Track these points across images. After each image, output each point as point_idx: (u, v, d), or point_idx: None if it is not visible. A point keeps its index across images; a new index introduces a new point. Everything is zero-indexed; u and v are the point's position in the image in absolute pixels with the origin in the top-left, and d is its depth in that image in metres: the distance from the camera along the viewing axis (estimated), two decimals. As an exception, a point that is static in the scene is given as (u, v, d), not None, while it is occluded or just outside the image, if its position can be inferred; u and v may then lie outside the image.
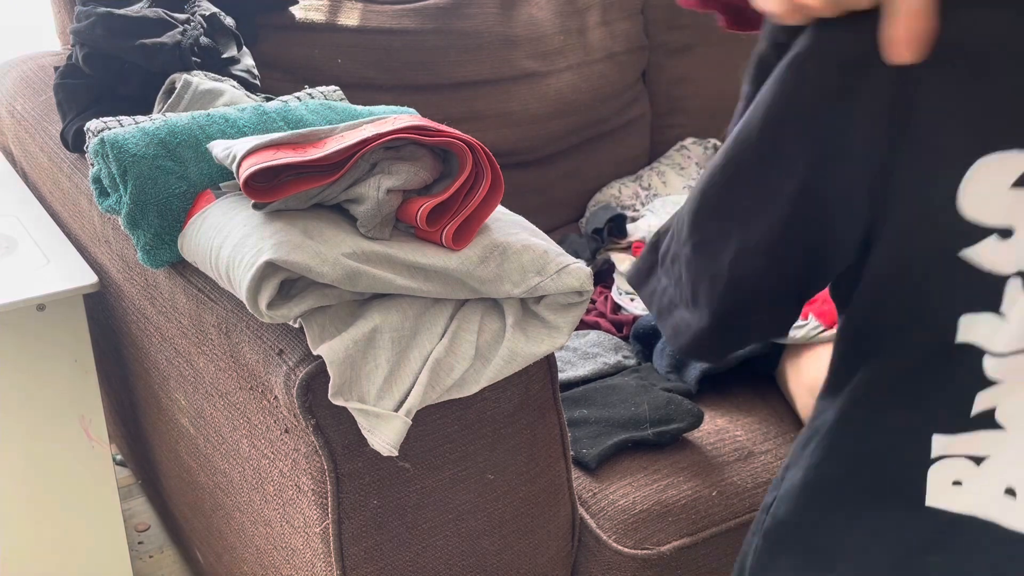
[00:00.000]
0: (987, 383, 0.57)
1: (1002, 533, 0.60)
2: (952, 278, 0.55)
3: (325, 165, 0.81)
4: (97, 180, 0.97)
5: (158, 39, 1.14)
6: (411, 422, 0.78)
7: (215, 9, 1.24)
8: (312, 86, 1.12)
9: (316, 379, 0.80)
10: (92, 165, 0.98)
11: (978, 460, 0.60)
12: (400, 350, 0.81)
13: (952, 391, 0.58)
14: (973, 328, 0.56)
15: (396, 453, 0.77)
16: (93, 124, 1.00)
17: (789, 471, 0.68)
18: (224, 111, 1.00)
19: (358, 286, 0.80)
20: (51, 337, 1.18)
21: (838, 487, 0.65)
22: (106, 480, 1.29)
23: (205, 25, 1.21)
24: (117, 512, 1.31)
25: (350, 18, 1.52)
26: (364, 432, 0.78)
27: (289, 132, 0.85)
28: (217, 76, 1.15)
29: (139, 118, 1.01)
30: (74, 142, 1.17)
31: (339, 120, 1.01)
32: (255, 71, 1.23)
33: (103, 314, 1.26)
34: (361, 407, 0.78)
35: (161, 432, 1.24)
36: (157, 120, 0.98)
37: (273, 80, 1.39)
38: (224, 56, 1.20)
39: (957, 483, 0.61)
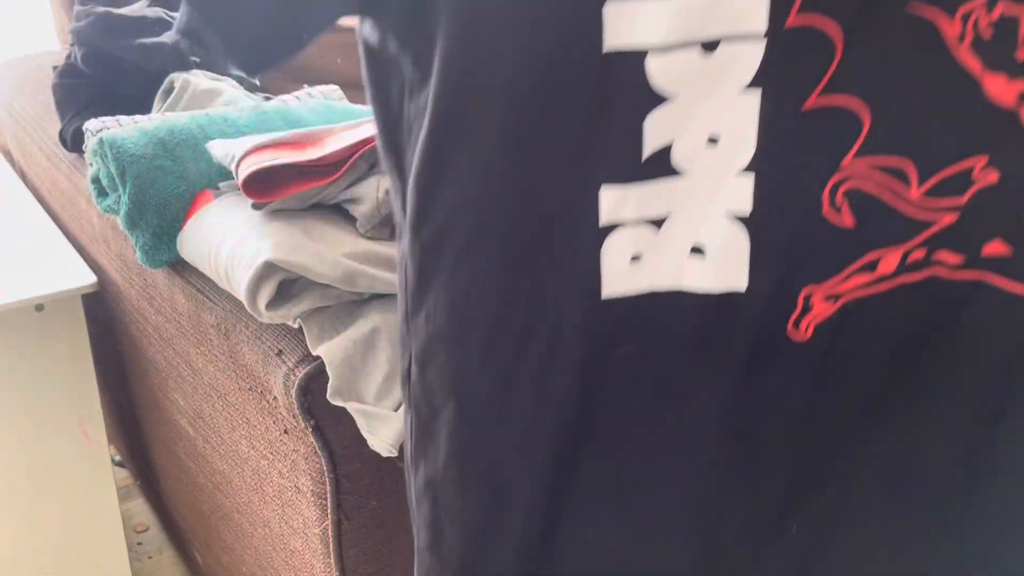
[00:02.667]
0: (656, 99, 0.44)
1: (693, 301, 0.49)
2: None
3: (324, 165, 0.81)
4: (96, 180, 0.97)
5: (157, 39, 1.14)
6: (411, 423, 0.78)
7: (214, 9, 1.24)
8: (312, 86, 1.12)
9: (315, 380, 0.80)
10: (91, 165, 0.97)
11: (658, 223, 0.48)
12: (400, 350, 0.81)
13: (615, 120, 0.44)
14: (622, 20, 0.42)
15: (396, 453, 0.77)
16: (92, 124, 0.99)
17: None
18: (223, 111, 1.00)
19: (357, 286, 0.80)
20: (50, 337, 1.18)
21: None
22: (105, 481, 1.28)
23: (204, 25, 1.20)
24: (116, 513, 1.31)
25: (350, 18, 1.52)
26: (363, 432, 0.78)
27: (289, 132, 0.85)
28: (216, 76, 1.15)
29: (138, 118, 1.01)
30: (73, 142, 1.16)
31: (339, 120, 1.01)
32: (254, 71, 1.23)
33: (102, 314, 1.26)
34: (360, 407, 0.78)
35: (160, 433, 1.24)
36: (156, 120, 0.98)
37: (273, 80, 1.39)
38: (223, 56, 1.20)
39: (636, 258, 0.49)
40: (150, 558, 1.55)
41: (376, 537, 0.88)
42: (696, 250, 0.48)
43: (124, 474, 1.68)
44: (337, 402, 0.78)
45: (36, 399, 1.20)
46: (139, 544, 1.57)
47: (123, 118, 1.01)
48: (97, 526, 1.30)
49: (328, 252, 0.78)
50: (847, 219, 0.46)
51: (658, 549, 0.56)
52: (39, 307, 1.15)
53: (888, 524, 0.55)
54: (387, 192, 0.82)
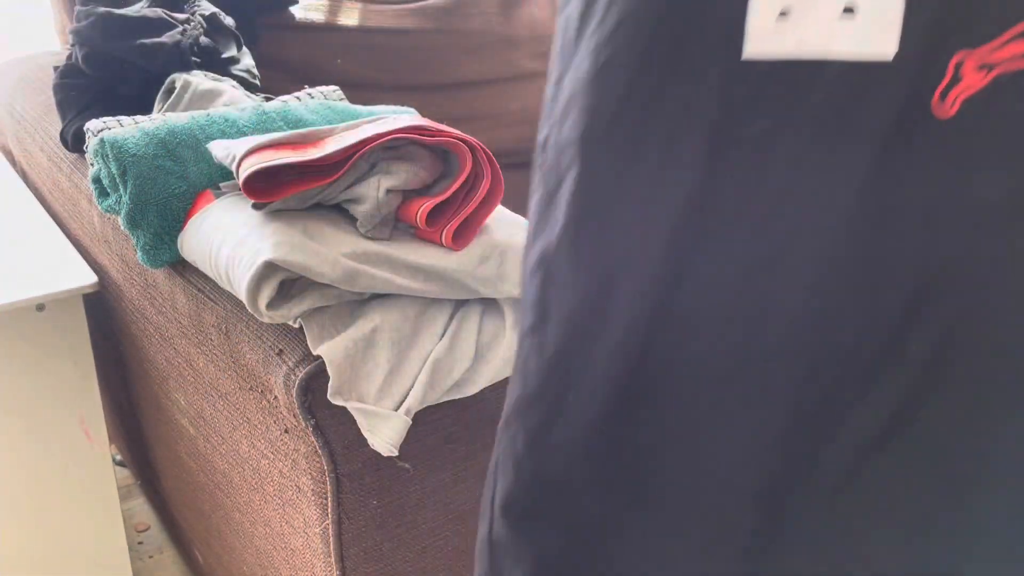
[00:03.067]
0: None
1: (836, 69, 0.47)
2: None
3: (325, 165, 0.81)
4: (97, 180, 0.97)
5: (158, 39, 1.14)
6: (411, 421, 0.78)
7: (215, 9, 1.24)
8: (312, 86, 1.12)
9: (316, 379, 0.80)
10: (92, 165, 0.98)
11: None
12: (400, 350, 0.81)
13: None
14: None
15: (396, 453, 0.77)
16: (93, 124, 1.00)
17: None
18: (224, 111, 1.00)
19: (357, 286, 0.80)
20: (50, 337, 1.18)
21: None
22: (106, 480, 1.28)
23: (205, 25, 1.21)
24: (117, 512, 1.31)
25: (350, 18, 1.52)
26: (364, 432, 0.78)
27: (289, 132, 0.85)
28: (217, 76, 1.15)
29: (139, 118, 1.01)
30: (74, 142, 1.17)
31: (339, 120, 1.01)
32: (255, 71, 1.23)
33: (103, 314, 1.26)
34: (361, 407, 0.78)
35: (160, 432, 1.24)
36: (157, 120, 0.98)
37: (273, 80, 1.39)
38: (224, 56, 1.20)
39: (784, 14, 0.47)
40: (151, 557, 1.55)
41: (376, 536, 0.88)
42: (848, 10, 0.46)
43: (125, 473, 1.69)
44: (338, 401, 0.78)
45: (37, 399, 1.20)
46: (140, 543, 1.57)
47: (124, 118, 1.01)
48: (98, 525, 1.30)
49: (328, 252, 0.79)
50: None
51: (770, 331, 0.52)
52: (40, 307, 1.15)
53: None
54: (387, 192, 0.82)
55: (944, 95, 0.45)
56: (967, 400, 0.51)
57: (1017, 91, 0.44)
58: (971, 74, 0.45)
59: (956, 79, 0.45)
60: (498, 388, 0.89)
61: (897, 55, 0.45)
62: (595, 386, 0.55)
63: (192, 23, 1.19)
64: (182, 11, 1.22)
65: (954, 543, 0.53)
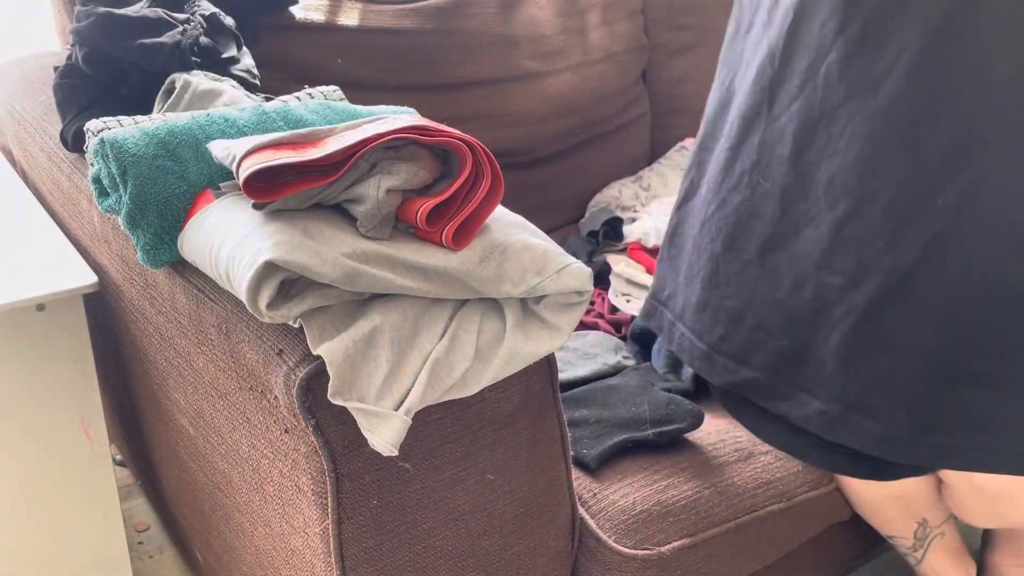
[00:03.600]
0: None
1: None
2: None
3: (325, 165, 0.81)
4: (97, 180, 0.97)
5: (158, 39, 1.14)
6: (411, 421, 0.78)
7: (215, 9, 1.24)
8: (312, 86, 1.12)
9: (316, 379, 0.80)
10: (92, 165, 0.98)
11: None
12: (400, 350, 0.81)
13: None
14: None
15: (396, 453, 0.77)
16: (93, 124, 1.00)
17: None
18: (224, 111, 1.00)
19: (358, 286, 0.80)
20: (51, 337, 1.18)
21: None
22: (106, 480, 1.28)
23: (205, 25, 1.21)
24: (117, 512, 1.31)
25: (350, 18, 1.52)
26: (364, 432, 0.78)
27: (289, 132, 0.85)
28: (217, 76, 1.15)
29: (139, 118, 1.01)
30: (74, 142, 1.17)
31: (339, 120, 1.01)
32: (255, 71, 1.23)
33: (103, 314, 1.26)
34: (361, 407, 0.78)
35: (160, 432, 1.24)
36: (157, 120, 0.98)
37: (273, 80, 1.39)
38: (224, 56, 1.20)
39: None
40: (151, 557, 1.55)
41: (376, 537, 0.88)
42: None
43: (125, 473, 1.69)
44: (338, 401, 0.78)
45: (36, 399, 1.20)
46: (140, 543, 1.57)
47: (124, 118, 1.01)
48: (98, 525, 1.30)
49: (329, 252, 0.79)
50: None
51: None
52: (40, 307, 1.15)
53: None
54: (387, 192, 0.82)
55: None
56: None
57: None
58: None
59: None
60: (498, 388, 0.89)
61: None
62: None
63: (192, 23, 1.19)
64: (182, 11, 1.22)
65: None
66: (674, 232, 1.06)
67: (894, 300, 0.96)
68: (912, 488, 1.16)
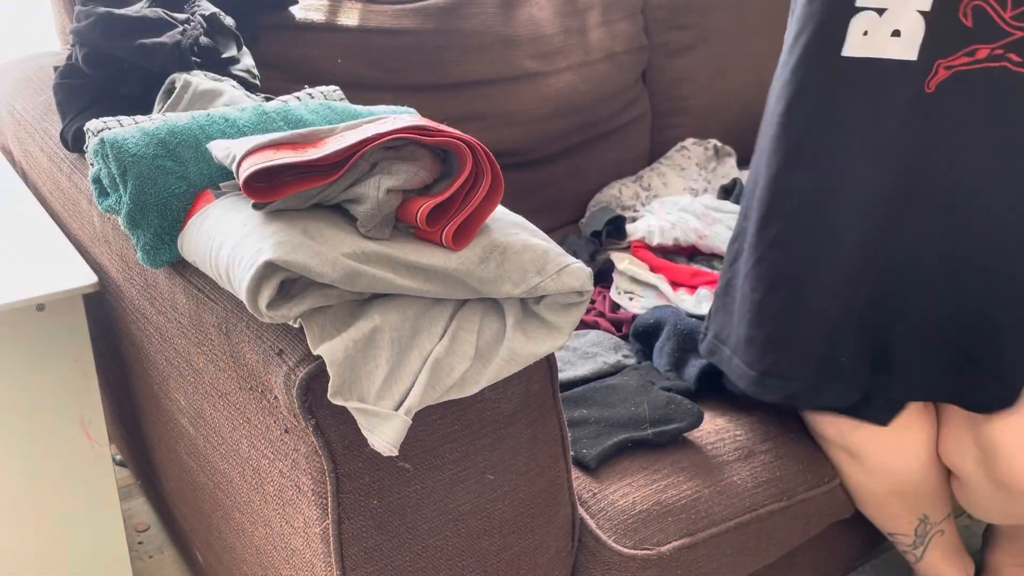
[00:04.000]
0: None
1: (888, 65, 1.02)
2: None
3: (325, 165, 0.81)
4: (97, 180, 0.97)
5: (158, 39, 1.14)
6: (411, 421, 0.78)
7: (215, 9, 1.24)
8: (312, 86, 1.12)
9: (316, 379, 0.80)
10: (92, 165, 0.98)
11: (880, 11, 0.99)
12: (400, 350, 0.81)
13: None
14: None
15: (396, 453, 0.77)
16: (93, 124, 1.00)
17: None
18: (224, 111, 1.00)
19: (358, 286, 0.80)
20: (51, 337, 1.18)
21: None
22: (106, 480, 1.28)
23: (205, 25, 1.21)
24: (117, 512, 1.31)
25: (350, 18, 1.53)
26: (364, 432, 0.78)
27: (289, 132, 0.85)
28: (217, 76, 1.15)
29: (139, 118, 1.01)
30: (74, 142, 1.17)
31: (339, 120, 1.01)
32: (255, 71, 1.23)
33: (103, 314, 1.26)
34: (361, 407, 0.78)
35: (161, 432, 1.24)
36: (157, 120, 0.98)
37: (273, 80, 1.39)
38: (224, 56, 1.20)
39: (865, 34, 1.01)
40: (151, 557, 1.55)
41: (376, 537, 0.88)
42: (895, 33, 1.00)
43: (125, 473, 1.69)
44: (338, 401, 0.78)
45: (36, 399, 1.20)
46: (140, 543, 1.57)
47: (124, 118, 1.01)
48: (98, 525, 1.30)
49: (329, 252, 0.79)
50: (969, 22, 0.98)
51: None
52: (40, 307, 1.15)
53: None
54: (387, 192, 0.82)
55: (929, 83, 1.02)
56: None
57: (964, 81, 1.01)
58: (942, 71, 1.01)
59: (936, 73, 1.01)
60: (498, 388, 0.89)
61: (917, 58, 1.02)
62: None
63: (192, 23, 1.19)
64: (182, 11, 1.22)
65: None
66: (727, 285, 1.24)
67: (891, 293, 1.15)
68: (914, 484, 1.17)
